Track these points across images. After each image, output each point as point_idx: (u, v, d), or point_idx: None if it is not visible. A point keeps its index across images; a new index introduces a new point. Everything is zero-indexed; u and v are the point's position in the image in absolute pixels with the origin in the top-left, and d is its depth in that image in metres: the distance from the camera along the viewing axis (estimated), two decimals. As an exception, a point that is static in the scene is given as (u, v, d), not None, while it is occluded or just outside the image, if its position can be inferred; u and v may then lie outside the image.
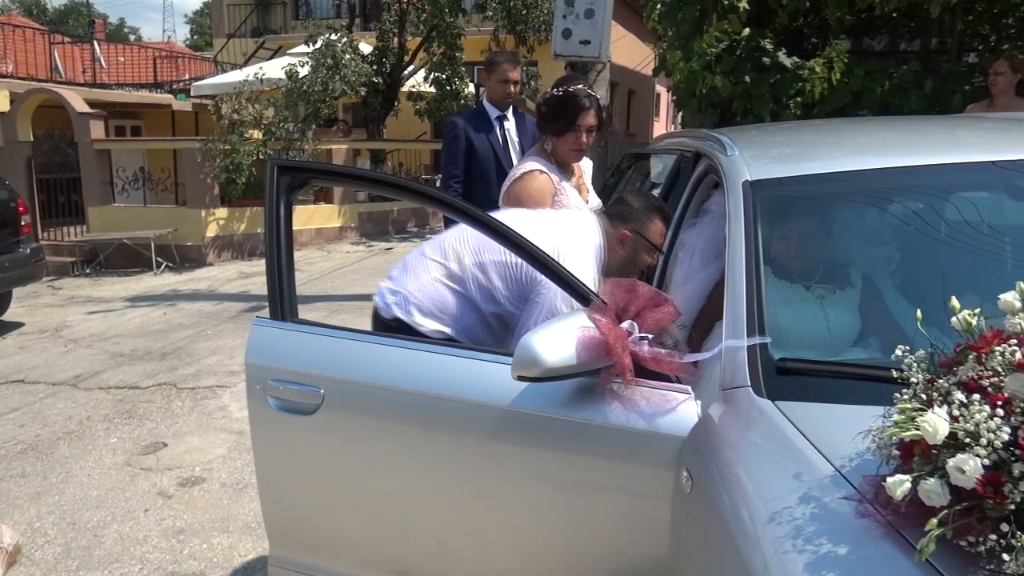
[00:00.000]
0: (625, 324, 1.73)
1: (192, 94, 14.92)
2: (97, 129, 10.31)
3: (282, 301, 2.08)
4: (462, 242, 2.27)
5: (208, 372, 5.43)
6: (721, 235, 2.05)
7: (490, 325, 2.27)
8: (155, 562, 3.02)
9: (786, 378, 1.61)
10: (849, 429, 1.30)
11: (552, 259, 1.95)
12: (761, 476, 1.41)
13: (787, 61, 5.80)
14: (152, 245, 9.54)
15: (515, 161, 3.98)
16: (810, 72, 5.62)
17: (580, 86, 2.83)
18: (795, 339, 1.82)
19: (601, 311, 1.74)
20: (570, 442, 1.80)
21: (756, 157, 2.25)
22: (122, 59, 20.19)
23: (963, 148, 2.33)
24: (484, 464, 1.91)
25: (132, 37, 47.40)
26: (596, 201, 3.02)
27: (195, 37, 45.50)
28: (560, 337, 1.66)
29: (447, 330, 2.23)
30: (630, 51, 17.77)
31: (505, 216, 2.36)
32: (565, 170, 2.89)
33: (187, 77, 18.82)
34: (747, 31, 5.86)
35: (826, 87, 5.58)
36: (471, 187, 3.88)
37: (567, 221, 2.35)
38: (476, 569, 2.03)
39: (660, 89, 22.10)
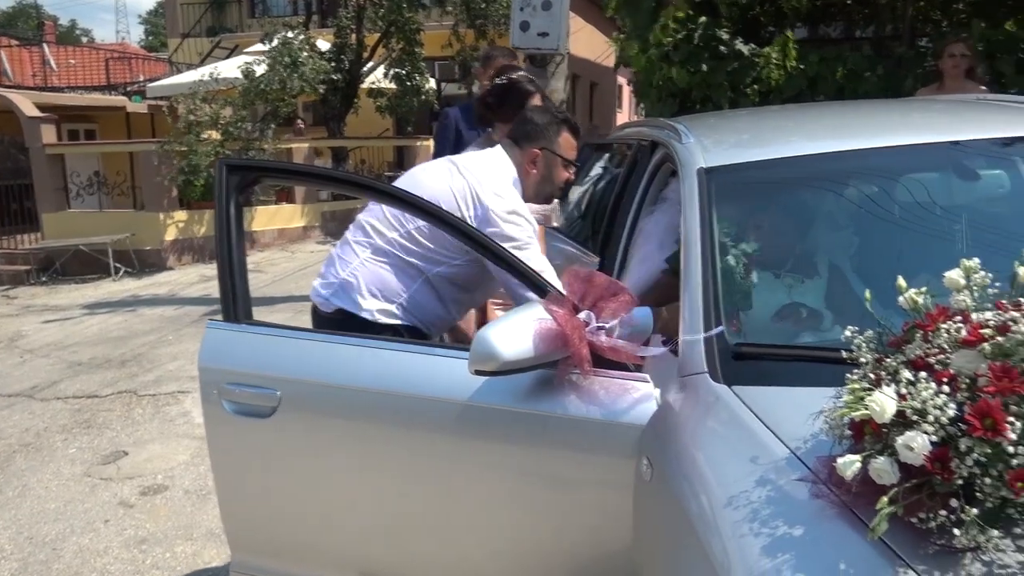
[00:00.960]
0: (582, 314, 1.73)
1: (147, 96, 14.65)
2: (49, 133, 10.08)
3: (235, 303, 2.05)
4: (380, 218, 2.24)
5: (169, 378, 5.33)
6: (678, 222, 2.05)
7: (436, 287, 2.24)
8: (116, 573, 2.96)
9: (742, 363, 1.62)
10: (804, 411, 1.30)
11: (510, 254, 1.94)
12: (718, 461, 1.41)
13: (744, 49, 5.84)
14: (110, 251, 9.35)
15: None
16: (765, 60, 5.67)
17: (522, 73, 2.84)
18: (752, 323, 1.83)
19: (558, 302, 1.72)
20: (530, 435, 1.79)
21: (711, 144, 2.26)
22: (73, 61, 19.75)
23: (916, 130, 2.36)
24: (445, 461, 1.89)
25: (84, 39, 46.39)
26: None
27: (150, 38, 44.62)
28: (517, 330, 1.64)
29: (391, 307, 2.20)
30: (591, 43, 17.80)
31: (413, 174, 2.36)
32: None
33: (142, 78, 18.46)
34: (703, 20, 5.90)
35: (782, 74, 5.63)
36: None
37: (474, 162, 2.33)
38: (441, 567, 2.02)
39: (622, 81, 22.20)
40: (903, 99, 4.38)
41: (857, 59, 5.75)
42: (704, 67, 5.78)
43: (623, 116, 23.44)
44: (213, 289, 8.46)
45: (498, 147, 2.41)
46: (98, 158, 11.12)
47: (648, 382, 1.73)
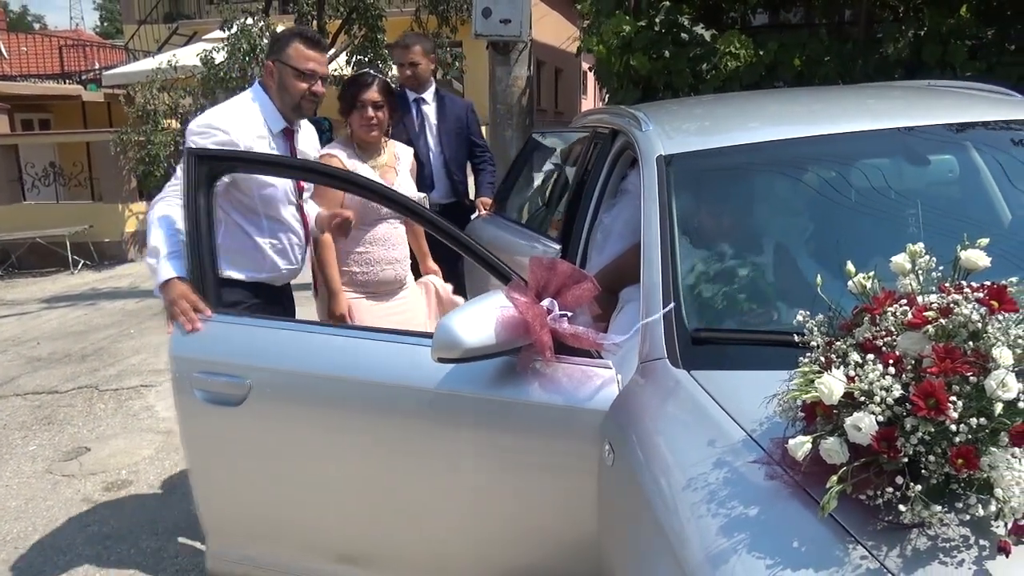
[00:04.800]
0: (545, 302, 1.74)
1: (103, 84, 14.29)
2: (1, 123, 9.81)
3: (205, 292, 2.08)
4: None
5: (132, 372, 5.26)
6: (638, 217, 2.07)
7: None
8: (80, 571, 2.93)
9: (701, 348, 1.65)
10: (761, 395, 1.33)
11: (472, 241, 1.97)
12: (678, 445, 1.45)
13: (706, 35, 5.88)
14: (68, 243, 9.16)
15: (432, 145, 3.94)
16: (723, 49, 5.72)
17: (368, 70, 2.99)
18: (712, 309, 1.86)
19: (520, 290, 1.74)
20: (495, 422, 1.81)
21: (670, 132, 2.28)
22: (25, 49, 19.22)
23: (870, 116, 2.40)
24: (412, 447, 1.92)
25: (37, 26, 45.12)
26: (409, 188, 3.02)
27: (105, 24, 43.56)
28: (479, 318, 1.67)
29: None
30: (555, 29, 17.77)
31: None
32: (365, 152, 2.93)
33: (97, 66, 18.01)
34: (665, 5, 5.92)
35: (738, 64, 5.69)
36: None
37: (227, 104, 2.56)
38: (411, 549, 2.04)
39: (587, 66, 22.20)
40: (859, 85, 4.45)
41: (815, 45, 5.82)
42: (666, 53, 5.81)
43: (588, 102, 23.47)
44: (175, 281, 8.34)
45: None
46: (53, 148, 10.85)
47: (611, 368, 1.76)
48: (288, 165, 2.46)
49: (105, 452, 3.97)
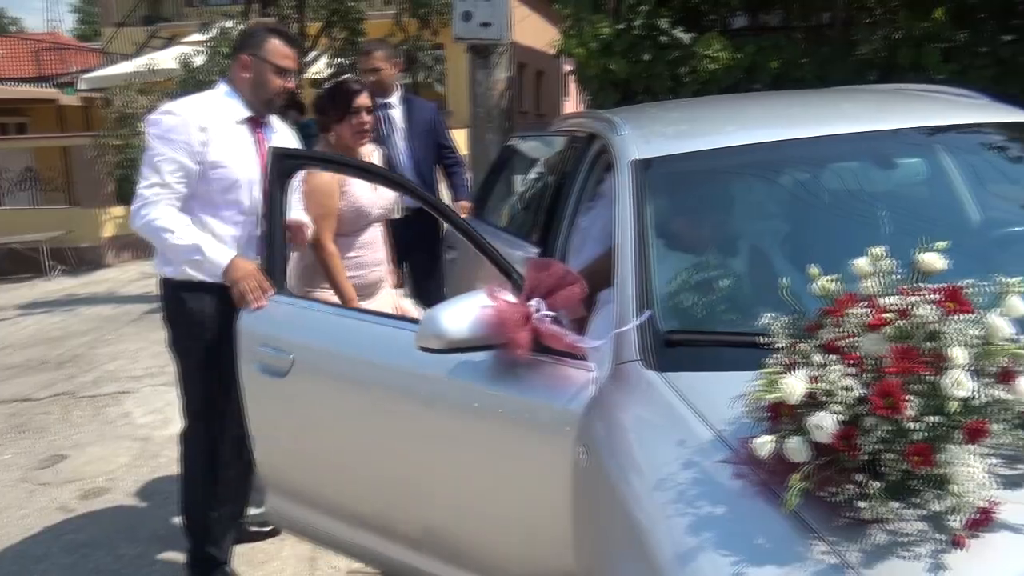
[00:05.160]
0: (533, 302, 1.78)
1: (81, 87, 14.18)
2: (-24, 128, 9.71)
3: (273, 275, 2.35)
4: None
5: (109, 378, 5.22)
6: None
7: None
8: (57, 579, 2.91)
9: (674, 350, 1.67)
10: (730, 395, 1.36)
11: (484, 240, 2.12)
12: (649, 446, 1.47)
13: (684, 38, 5.92)
14: (44, 249, 9.08)
15: (400, 148, 3.95)
16: (702, 53, 5.77)
17: (349, 76, 2.99)
18: (684, 312, 1.88)
19: (502, 289, 1.79)
20: (486, 411, 1.88)
21: (646, 136, 2.31)
22: (1, 52, 19.00)
23: (844, 120, 2.44)
24: (416, 426, 2.05)
25: (13, 28, 44.60)
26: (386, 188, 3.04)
27: (83, 27, 43.12)
28: (464, 312, 1.75)
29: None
30: (536, 31, 17.80)
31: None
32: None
33: (75, 69, 17.84)
34: (644, 8, 5.96)
35: (716, 67, 5.74)
36: None
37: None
38: (415, 518, 2.18)
39: (569, 69, 22.27)
40: (834, 88, 4.50)
41: (792, 49, 5.88)
42: (645, 56, 5.85)
43: (570, 104, 23.51)
44: (154, 286, 8.24)
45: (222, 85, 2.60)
46: (30, 153, 10.76)
47: (590, 371, 1.76)
48: (354, 166, 2.65)
49: (82, 459, 3.94)
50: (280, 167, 2.33)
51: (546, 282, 1.80)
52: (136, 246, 10.00)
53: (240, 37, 2.67)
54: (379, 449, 2.17)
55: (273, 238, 2.36)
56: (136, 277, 8.86)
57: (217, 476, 2.66)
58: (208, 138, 2.43)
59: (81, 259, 9.50)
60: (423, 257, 3.94)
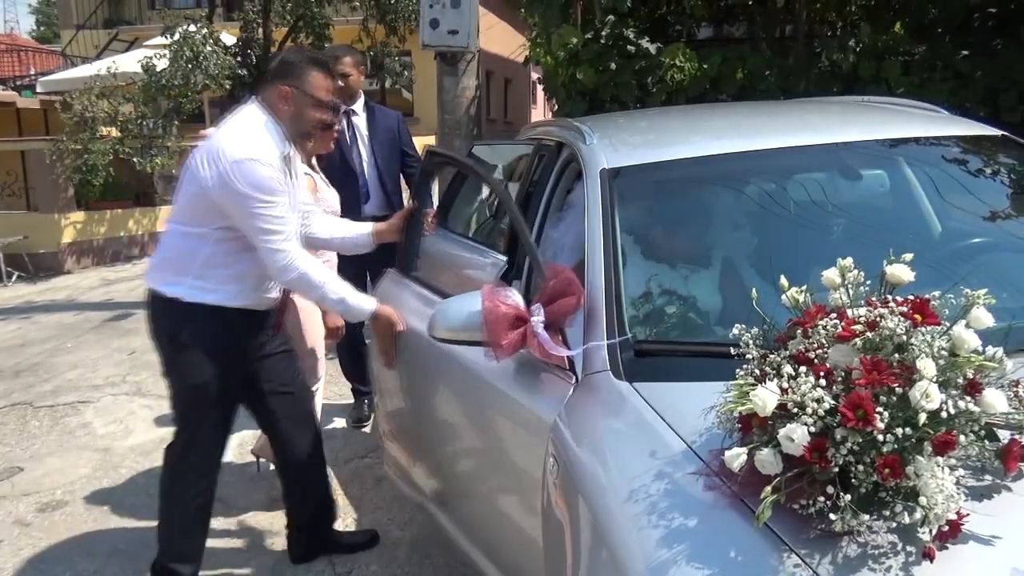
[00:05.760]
0: (534, 307, 1.79)
1: (39, 90, 13.86)
2: (-71, 130, 9.44)
3: (408, 258, 2.77)
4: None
5: (69, 388, 5.09)
6: (583, 230, 2.09)
7: (219, 240, 2.39)
8: (12, 596, 2.82)
9: (644, 360, 1.67)
10: (701, 406, 1.36)
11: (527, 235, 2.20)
12: (620, 457, 1.46)
13: (651, 48, 5.98)
14: (0, 255, 8.84)
15: (364, 155, 3.92)
16: (668, 63, 5.82)
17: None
18: (654, 322, 1.89)
19: (501, 290, 1.86)
20: (485, 401, 2.08)
21: (615, 144, 2.31)
22: (-44, 53, 18.53)
23: (808, 131, 2.47)
24: (461, 397, 2.30)
25: (-32, 29, 43.49)
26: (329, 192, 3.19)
27: (41, 28, 42.26)
28: (465, 307, 1.88)
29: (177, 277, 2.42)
30: (504, 40, 17.85)
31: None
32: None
33: (33, 72, 17.46)
34: (611, 19, 6.00)
35: (683, 77, 5.79)
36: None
37: (226, 123, 2.46)
38: (450, 473, 2.48)
39: (537, 76, 22.34)
40: (798, 100, 4.57)
41: (756, 60, 5.96)
42: (612, 66, 5.88)
43: (538, 112, 23.59)
44: (116, 293, 8.12)
45: (250, 103, 2.49)
46: (-14, 156, 10.48)
47: (568, 382, 1.75)
48: (474, 170, 2.97)
49: (39, 471, 3.83)
50: (430, 163, 2.91)
51: (550, 288, 1.80)
52: (96, 252, 9.79)
53: (279, 65, 2.51)
54: (434, 414, 2.50)
55: (414, 223, 2.76)
56: (96, 284, 8.67)
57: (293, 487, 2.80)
58: (280, 175, 2.37)
59: (39, 265, 9.27)
60: (384, 268, 3.91)
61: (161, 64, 9.71)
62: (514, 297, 1.83)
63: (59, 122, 10.48)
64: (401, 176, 4.08)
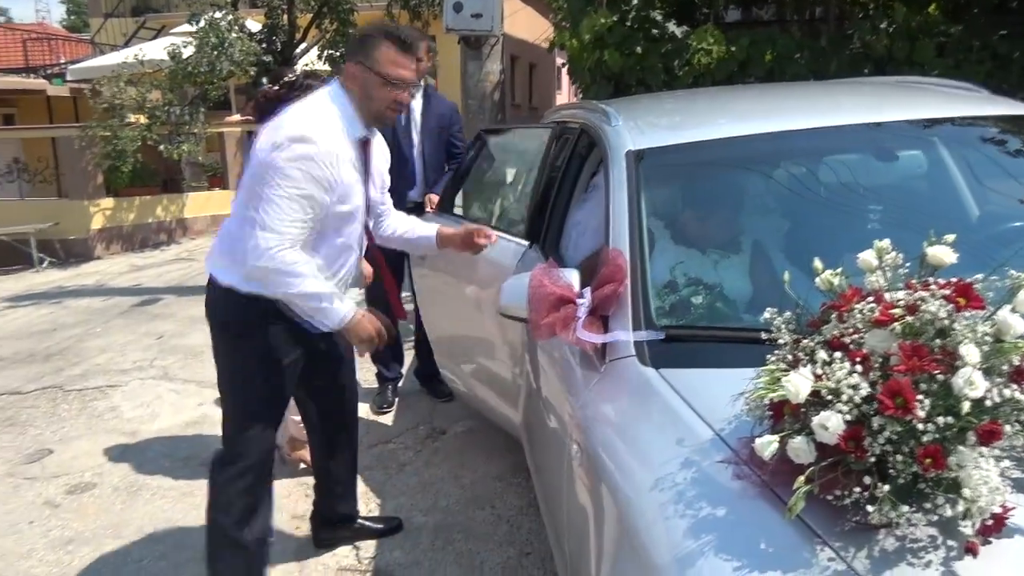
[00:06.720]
0: (585, 291, 1.76)
1: (69, 78, 14.02)
2: (-38, 118, 9.59)
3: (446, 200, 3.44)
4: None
5: (97, 372, 5.15)
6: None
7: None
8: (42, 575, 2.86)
9: (670, 345, 1.63)
10: (729, 393, 1.32)
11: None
12: (645, 444, 1.43)
13: (677, 31, 5.88)
14: (32, 241, 8.97)
15: (416, 142, 3.89)
16: (695, 46, 5.73)
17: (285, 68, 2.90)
18: (681, 307, 1.84)
19: (548, 271, 1.85)
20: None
21: (640, 127, 2.26)
22: (-12, 42, 18.79)
23: (840, 111, 2.40)
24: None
25: (1, 19, 44.14)
26: None
27: (71, 17, 42.69)
28: (519, 286, 1.93)
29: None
30: (529, 24, 17.73)
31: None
32: None
33: (63, 60, 17.66)
34: (637, 1, 5.91)
35: (710, 60, 5.70)
36: None
37: (310, 108, 2.22)
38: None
39: (561, 62, 22.17)
40: (829, 81, 4.46)
41: (786, 42, 5.84)
42: (639, 49, 5.80)
43: (563, 98, 23.46)
44: (144, 278, 8.20)
45: (332, 83, 2.30)
46: (18, 144, 10.63)
47: (597, 368, 1.71)
48: None
49: (69, 454, 3.88)
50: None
51: (600, 273, 1.77)
52: (125, 238, 9.90)
53: (352, 40, 2.37)
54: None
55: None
56: (125, 269, 8.77)
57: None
58: (339, 165, 2.16)
59: (70, 251, 9.40)
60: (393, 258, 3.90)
61: (187, 51, 9.76)
62: (566, 278, 1.79)
63: (88, 109, 10.61)
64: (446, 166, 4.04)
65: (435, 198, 3.82)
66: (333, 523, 2.85)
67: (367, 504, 3.13)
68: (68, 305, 7.15)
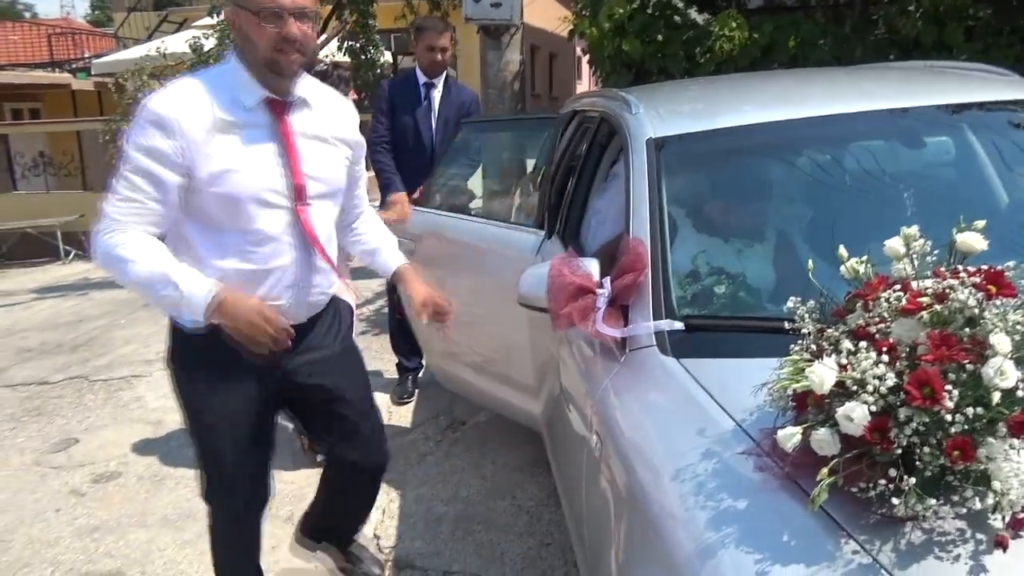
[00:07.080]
0: (605, 281, 1.74)
1: (93, 72, 14.16)
2: (-11, 113, 9.72)
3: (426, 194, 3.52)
4: None
5: (122, 362, 5.22)
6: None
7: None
8: (68, 563, 2.89)
9: (691, 335, 1.61)
10: (752, 383, 1.29)
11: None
12: (666, 434, 1.41)
13: (699, 18, 5.81)
14: (58, 233, 9.09)
15: (434, 131, 3.88)
16: (717, 33, 5.65)
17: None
18: (702, 296, 1.82)
19: (568, 261, 1.83)
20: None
21: (660, 115, 2.23)
22: (14, 37, 19.01)
23: (865, 97, 2.35)
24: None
25: (27, 14, 44.64)
26: None
27: (95, 12, 43.08)
28: (538, 275, 1.91)
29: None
30: (549, 14, 17.62)
31: None
32: None
33: (87, 54, 17.82)
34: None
35: (733, 46, 5.62)
36: (394, 152, 3.78)
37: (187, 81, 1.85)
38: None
39: (581, 51, 22.04)
40: (854, 67, 4.38)
41: (810, 28, 5.75)
42: (659, 37, 5.74)
43: (583, 87, 23.32)
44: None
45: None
46: (44, 138, 10.77)
47: (617, 359, 1.69)
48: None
49: (94, 443, 3.93)
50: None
51: (620, 264, 1.74)
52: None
53: None
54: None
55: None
56: (149, 262, 8.86)
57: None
58: (199, 136, 1.75)
59: (95, 244, 9.52)
60: None
61: (208, 44, 9.81)
62: (586, 268, 1.77)
63: (112, 103, 10.69)
64: None
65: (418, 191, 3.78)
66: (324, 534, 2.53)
67: (388, 494, 3.14)
68: (93, 297, 7.25)
